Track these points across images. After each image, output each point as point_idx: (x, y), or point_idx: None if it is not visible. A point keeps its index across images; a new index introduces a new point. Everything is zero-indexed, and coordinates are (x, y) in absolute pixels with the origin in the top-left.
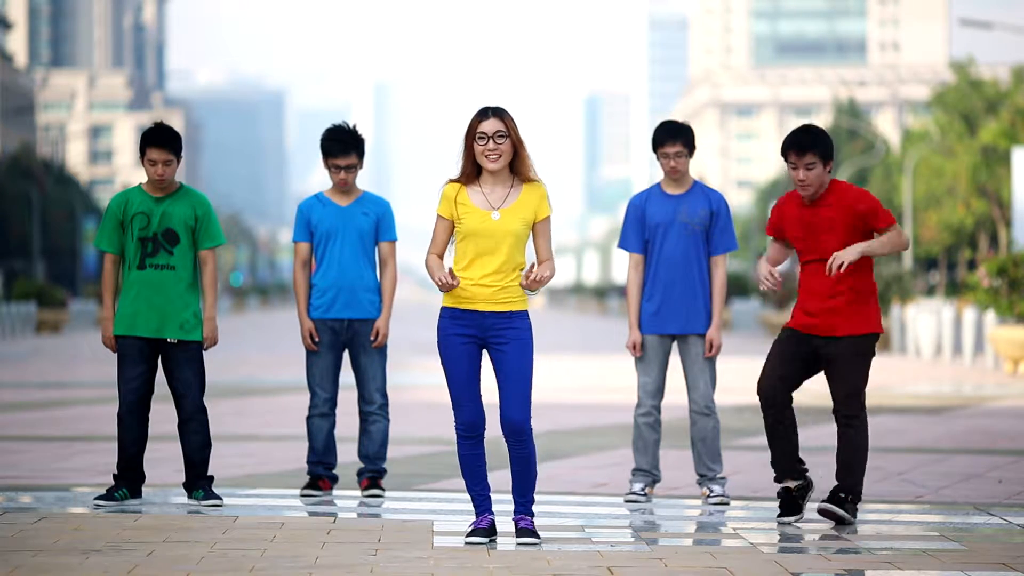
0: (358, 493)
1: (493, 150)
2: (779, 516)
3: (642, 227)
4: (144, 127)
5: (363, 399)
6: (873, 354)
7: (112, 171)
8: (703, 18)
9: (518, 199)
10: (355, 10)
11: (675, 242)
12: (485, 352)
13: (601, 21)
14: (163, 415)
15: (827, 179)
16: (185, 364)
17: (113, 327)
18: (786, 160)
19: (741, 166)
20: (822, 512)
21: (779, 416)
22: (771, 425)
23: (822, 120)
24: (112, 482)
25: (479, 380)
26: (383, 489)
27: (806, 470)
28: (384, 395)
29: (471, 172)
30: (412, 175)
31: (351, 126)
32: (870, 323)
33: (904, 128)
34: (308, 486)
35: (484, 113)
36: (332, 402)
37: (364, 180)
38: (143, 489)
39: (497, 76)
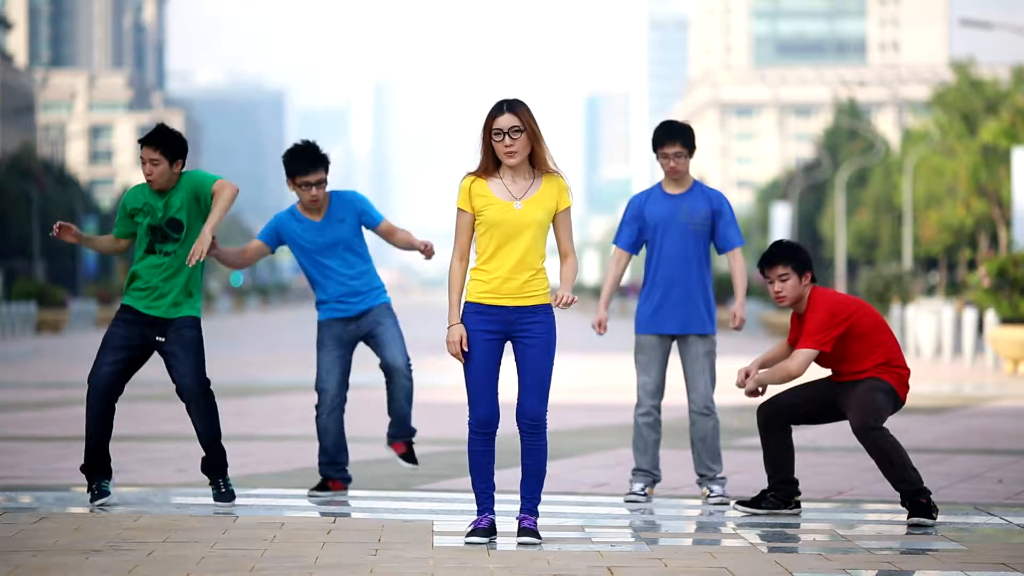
0: (359, 493)
1: (509, 146)
2: (738, 501)
3: (637, 226)
4: (144, 127)
5: (387, 363)
6: (888, 394)
7: (112, 171)
8: (703, 18)
9: (540, 189)
10: (354, 10)
11: (675, 241)
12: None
13: (601, 21)
14: (163, 415)
15: (806, 291)
16: (182, 355)
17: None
18: (761, 273)
19: (741, 166)
20: (913, 526)
21: (771, 438)
22: (765, 443)
23: (822, 120)
24: (84, 479)
25: (498, 377)
26: (415, 459)
27: (796, 492)
28: (407, 357)
29: (490, 166)
30: (412, 175)
31: (312, 142)
32: (893, 380)
33: (904, 128)
34: (318, 487)
35: (499, 108)
36: (338, 399)
37: (364, 180)
38: (143, 489)
39: (497, 76)
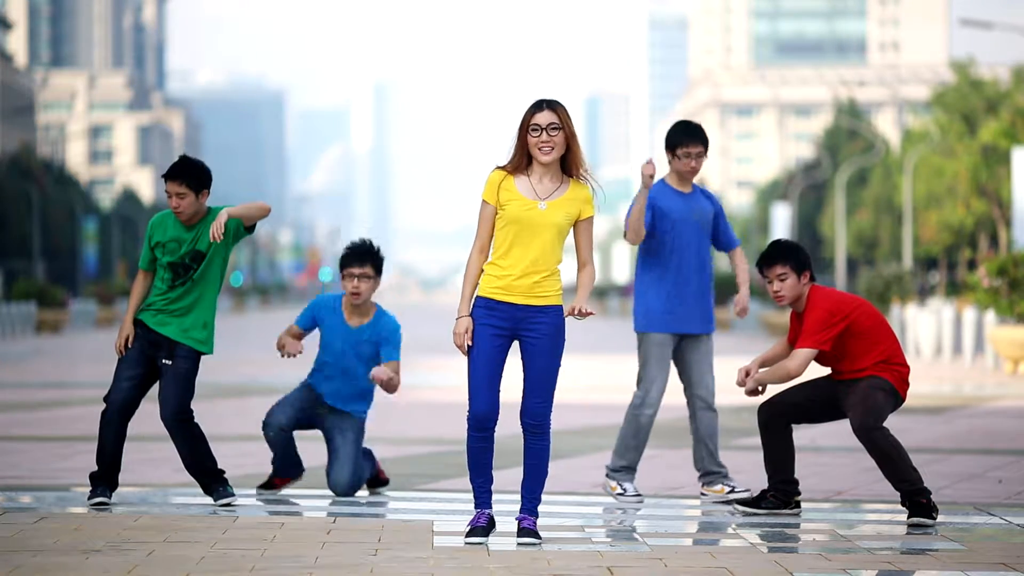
0: (358, 494)
1: (546, 142)
2: (738, 501)
3: (651, 213)
4: (144, 127)
5: (331, 483)
6: (888, 392)
7: (112, 171)
8: (703, 18)
9: (566, 194)
10: (354, 10)
11: (690, 238)
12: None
13: (601, 21)
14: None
15: (804, 290)
16: (171, 382)
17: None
18: (760, 273)
19: (741, 166)
20: (913, 526)
21: (771, 438)
22: (765, 443)
23: (822, 120)
24: (88, 481)
25: (500, 375)
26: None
27: (796, 492)
28: (355, 478)
29: (521, 163)
30: (412, 175)
31: (370, 241)
32: (892, 377)
33: (904, 128)
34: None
35: (538, 105)
36: (285, 433)
37: (363, 180)
38: (143, 489)
39: (497, 76)
